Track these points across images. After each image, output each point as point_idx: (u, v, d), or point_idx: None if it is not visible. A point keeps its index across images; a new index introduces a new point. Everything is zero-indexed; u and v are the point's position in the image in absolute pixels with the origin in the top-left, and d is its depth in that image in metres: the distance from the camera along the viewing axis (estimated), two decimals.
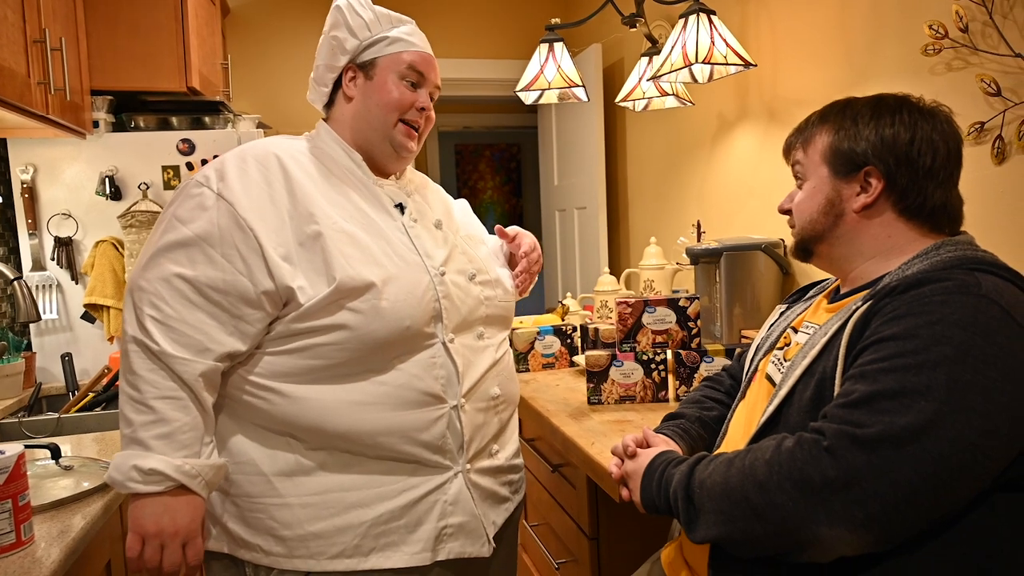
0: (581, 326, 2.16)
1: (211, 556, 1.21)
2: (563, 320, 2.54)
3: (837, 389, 0.92)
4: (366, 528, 1.16)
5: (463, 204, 1.53)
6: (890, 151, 1.00)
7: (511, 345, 2.01)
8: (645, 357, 1.73)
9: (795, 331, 1.12)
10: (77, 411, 2.09)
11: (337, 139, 1.28)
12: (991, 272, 0.91)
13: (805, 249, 1.11)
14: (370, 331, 1.13)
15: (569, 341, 2.20)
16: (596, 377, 1.74)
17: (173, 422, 1.08)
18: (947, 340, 0.83)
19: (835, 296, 1.11)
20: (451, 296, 1.23)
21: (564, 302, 2.71)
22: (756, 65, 1.94)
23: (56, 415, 2.04)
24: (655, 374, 1.74)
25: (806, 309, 1.16)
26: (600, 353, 1.74)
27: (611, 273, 2.71)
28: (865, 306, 0.94)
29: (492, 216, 6.43)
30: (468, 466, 1.23)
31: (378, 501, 1.17)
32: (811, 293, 1.23)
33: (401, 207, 1.28)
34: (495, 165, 6.56)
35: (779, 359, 1.10)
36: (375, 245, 1.18)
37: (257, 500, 1.16)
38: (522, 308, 1.95)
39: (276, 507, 1.15)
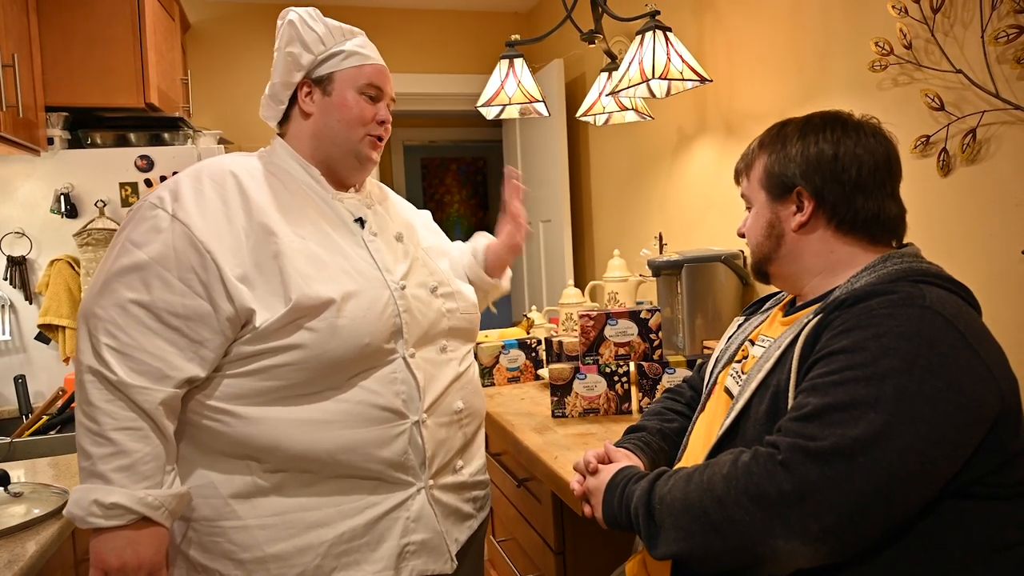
0: (546, 339, 2.17)
1: None
2: (528, 333, 2.55)
3: (791, 402, 0.94)
4: (327, 547, 1.14)
5: (426, 216, 1.53)
6: (816, 170, 1.04)
7: (476, 359, 2.01)
8: (608, 369, 1.74)
9: (752, 344, 1.14)
10: (31, 435, 2.03)
11: (294, 154, 1.27)
12: (935, 284, 0.94)
13: (761, 272, 1.15)
14: (327, 350, 1.12)
15: (534, 354, 2.21)
16: (560, 390, 1.75)
17: (134, 453, 1.05)
18: (894, 352, 0.85)
19: (790, 309, 1.14)
20: (412, 310, 1.22)
21: (529, 315, 2.72)
22: (712, 80, 1.98)
23: (8, 439, 1.99)
24: (618, 386, 1.75)
25: (763, 321, 1.19)
26: (563, 366, 1.75)
27: (576, 286, 2.73)
28: (816, 319, 0.96)
29: (459, 229, 6.42)
30: (431, 482, 1.22)
31: (339, 520, 1.16)
32: (768, 305, 1.25)
33: (361, 221, 1.26)
34: (461, 179, 6.56)
35: (737, 372, 1.12)
36: (333, 262, 1.17)
37: (215, 524, 1.14)
38: (487, 322, 1.95)
39: (234, 530, 1.13)
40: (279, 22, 1.25)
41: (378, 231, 1.28)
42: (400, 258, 1.27)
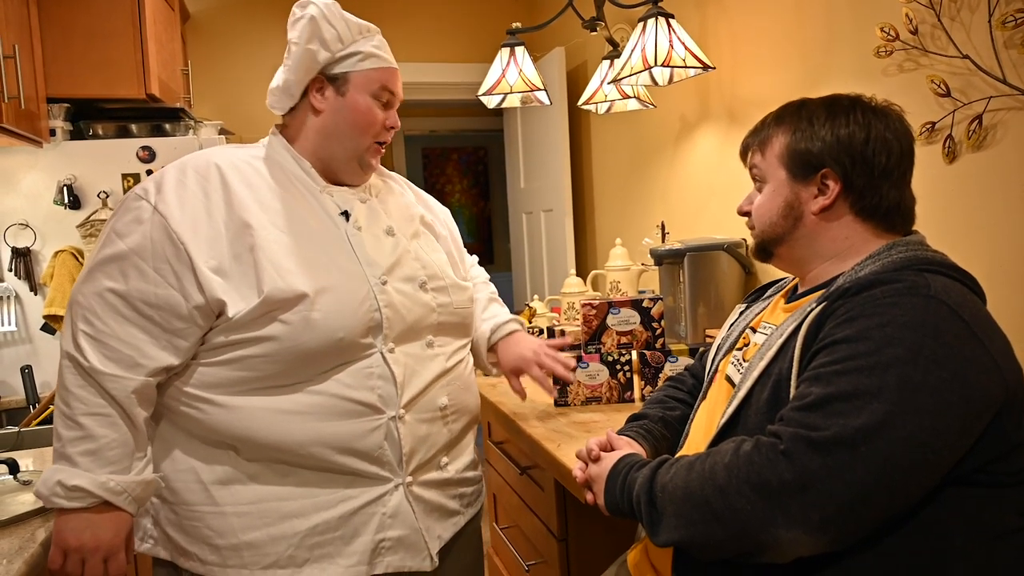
0: (548, 328, 2.17)
1: (156, 563, 1.22)
2: (530, 322, 2.55)
3: (793, 391, 0.93)
4: (300, 538, 1.16)
5: (445, 213, 1.54)
6: (846, 151, 1.01)
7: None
8: (610, 358, 1.75)
9: (754, 331, 1.14)
10: (38, 424, 2.05)
11: (287, 147, 1.27)
12: (940, 272, 0.93)
13: (765, 251, 1.12)
14: (300, 342, 1.12)
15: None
16: (562, 379, 1.74)
17: (100, 439, 1.09)
18: (898, 341, 0.85)
19: (792, 296, 1.13)
20: (394, 305, 1.22)
21: (531, 304, 2.72)
22: (715, 68, 1.97)
23: (16, 429, 2.00)
24: (620, 375, 1.75)
25: (764, 308, 1.18)
26: (566, 355, 1.75)
27: (578, 275, 2.73)
28: (819, 308, 0.96)
29: (461, 219, 6.41)
30: (410, 478, 1.22)
31: (314, 511, 1.17)
32: (769, 292, 1.25)
33: (346, 215, 1.25)
34: (462, 168, 6.55)
35: (738, 360, 1.12)
36: (313, 255, 1.17)
37: (194, 508, 1.16)
38: None
39: (211, 515, 1.16)
40: (297, 11, 1.22)
41: (365, 225, 1.26)
42: (387, 252, 1.26)
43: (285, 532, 1.15)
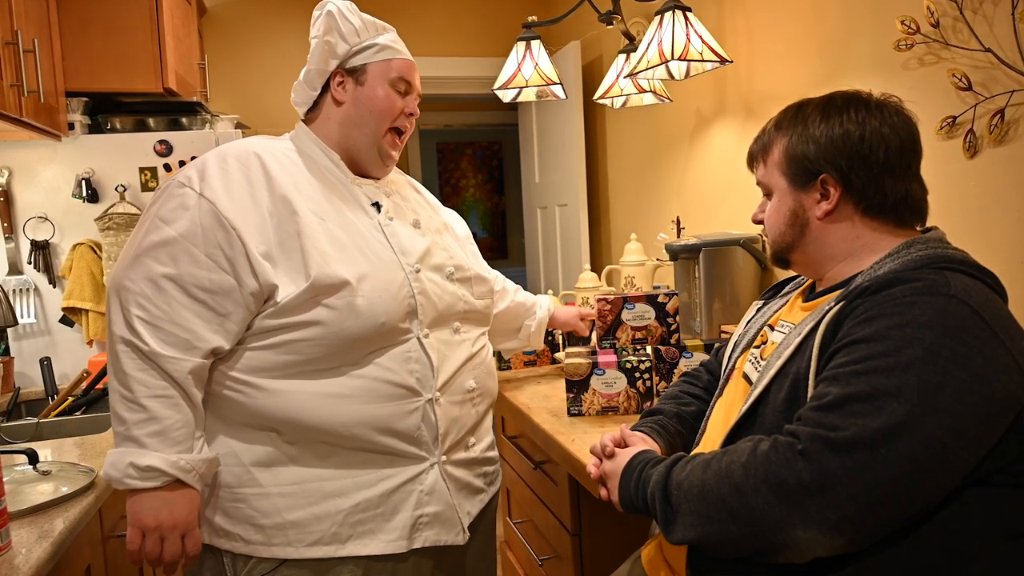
0: None
1: None
2: None
3: (811, 390, 0.92)
4: (343, 516, 1.19)
5: (458, 218, 1.59)
6: (841, 152, 1.00)
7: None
8: (628, 365, 1.64)
9: (772, 329, 1.13)
10: (57, 415, 2.07)
11: (316, 140, 1.31)
12: (960, 271, 0.92)
13: (782, 259, 1.12)
14: (345, 327, 1.16)
15: (550, 338, 2.20)
16: (576, 386, 1.64)
17: (165, 420, 1.11)
18: (917, 342, 0.84)
19: (810, 294, 1.12)
20: (427, 292, 1.26)
21: None
22: (732, 61, 1.96)
23: (35, 420, 2.03)
24: (639, 383, 1.64)
25: (782, 306, 1.18)
26: (580, 361, 1.65)
27: (592, 270, 2.72)
28: (837, 307, 0.95)
29: (475, 214, 6.41)
30: (444, 457, 1.26)
31: (356, 490, 1.20)
32: (787, 289, 1.24)
33: (378, 206, 1.30)
34: (477, 163, 6.53)
35: (756, 357, 1.11)
36: (351, 243, 1.21)
37: (237, 490, 1.19)
38: None
39: (255, 496, 1.18)
40: (316, 12, 1.30)
41: (395, 216, 1.31)
42: (417, 242, 1.30)
43: (328, 511, 1.18)
